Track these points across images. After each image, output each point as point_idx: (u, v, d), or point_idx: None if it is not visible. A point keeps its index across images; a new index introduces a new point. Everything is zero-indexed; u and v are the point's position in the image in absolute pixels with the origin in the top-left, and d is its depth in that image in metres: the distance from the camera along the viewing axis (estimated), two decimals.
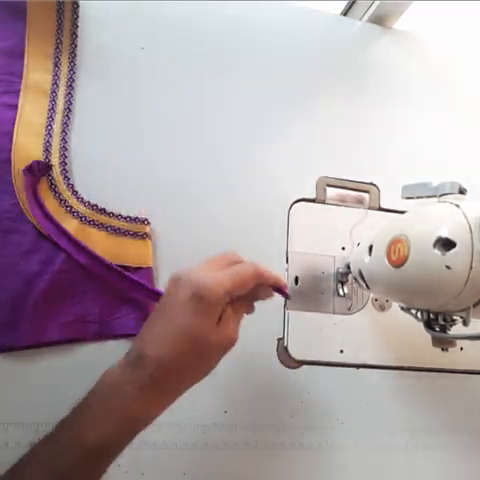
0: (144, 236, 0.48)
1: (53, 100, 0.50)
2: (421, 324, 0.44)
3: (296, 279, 0.53)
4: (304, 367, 0.50)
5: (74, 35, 0.52)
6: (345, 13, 0.65)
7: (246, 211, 0.52)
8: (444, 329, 0.42)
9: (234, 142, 0.54)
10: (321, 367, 0.50)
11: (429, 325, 0.43)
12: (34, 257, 0.45)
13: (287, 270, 0.52)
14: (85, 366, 0.40)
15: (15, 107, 0.48)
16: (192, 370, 0.36)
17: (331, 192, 0.56)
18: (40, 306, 0.44)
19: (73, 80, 0.50)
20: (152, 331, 0.35)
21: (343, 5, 0.65)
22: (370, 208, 0.57)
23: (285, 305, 0.51)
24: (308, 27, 0.60)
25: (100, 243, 0.47)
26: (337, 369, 0.51)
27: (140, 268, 0.47)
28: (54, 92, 0.50)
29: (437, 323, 0.42)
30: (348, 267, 0.51)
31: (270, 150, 0.55)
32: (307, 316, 0.52)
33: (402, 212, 0.48)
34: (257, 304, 0.43)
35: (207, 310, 0.34)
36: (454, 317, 0.42)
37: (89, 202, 0.48)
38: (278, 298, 0.51)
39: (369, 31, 0.63)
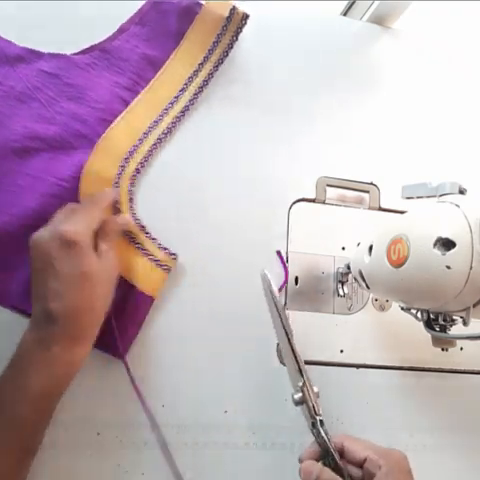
0: (165, 268, 0.48)
1: (161, 116, 0.51)
2: (421, 324, 0.44)
3: (296, 279, 0.53)
4: None
5: (216, 68, 0.54)
6: (345, 13, 0.65)
7: (246, 211, 0.52)
8: (444, 329, 0.42)
9: (233, 142, 0.54)
10: (321, 367, 0.50)
11: (429, 325, 0.43)
12: None
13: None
14: None
15: (127, 104, 0.50)
16: (95, 304, 0.39)
17: (331, 192, 0.56)
18: None
19: (188, 109, 0.53)
20: (45, 286, 0.38)
21: (343, 5, 0.65)
22: (370, 208, 0.57)
23: (285, 305, 0.51)
24: (308, 27, 0.60)
25: (125, 255, 0.47)
26: (337, 369, 0.51)
27: (143, 293, 0.47)
28: (166, 110, 0.52)
29: (437, 323, 0.42)
30: (348, 267, 0.51)
31: (270, 150, 0.55)
32: (307, 316, 0.52)
33: (402, 212, 0.48)
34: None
35: (80, 249, 0.38)
36: (454, 317, 0.42)
37: (139, 221, 0.48)
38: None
39: (369, 31, 0.63)
